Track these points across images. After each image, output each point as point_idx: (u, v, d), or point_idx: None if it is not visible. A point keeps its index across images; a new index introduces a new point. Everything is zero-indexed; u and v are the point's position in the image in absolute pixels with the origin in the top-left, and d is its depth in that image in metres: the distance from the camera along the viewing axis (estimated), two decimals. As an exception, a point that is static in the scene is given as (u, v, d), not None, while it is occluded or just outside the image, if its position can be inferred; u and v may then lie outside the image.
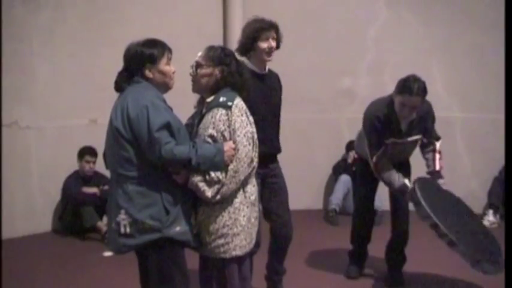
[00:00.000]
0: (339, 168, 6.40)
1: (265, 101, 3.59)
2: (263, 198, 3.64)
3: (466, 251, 3.71)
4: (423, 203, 3.69)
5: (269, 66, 3.69)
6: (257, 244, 3.43)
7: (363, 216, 4.30)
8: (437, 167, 4.06)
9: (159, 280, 2.75)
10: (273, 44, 3.54)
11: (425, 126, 4.00)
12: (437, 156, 4.08)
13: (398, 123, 3.89)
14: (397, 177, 3.91)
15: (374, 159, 3.93)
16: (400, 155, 4.05)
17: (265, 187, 3.64)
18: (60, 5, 5.75)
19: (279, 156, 3.76)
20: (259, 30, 3.51)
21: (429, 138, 4.06)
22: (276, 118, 3.72)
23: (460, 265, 4.00)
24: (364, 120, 4.01)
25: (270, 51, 3.54)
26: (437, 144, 4.09)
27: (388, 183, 3.97)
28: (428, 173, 4.10)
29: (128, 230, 2.68)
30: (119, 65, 2.83)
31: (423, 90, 3.75)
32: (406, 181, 3.92)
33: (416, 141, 4.03)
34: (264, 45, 3.51)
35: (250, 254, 3.53)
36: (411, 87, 3.71)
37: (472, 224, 4.03)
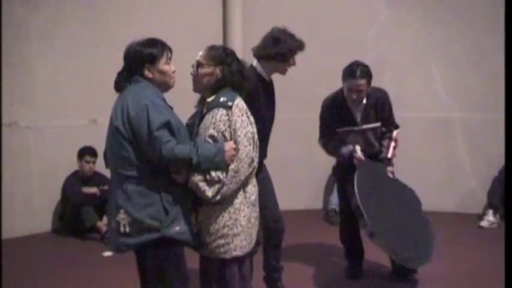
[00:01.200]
0: (339, 168, 6.40)
1: (268, 106, 3.66)
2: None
3: (386, 245, 3.76)
4: (356, 191, 3.76)
5: None
6: (257, 243, 3.46)
7: (344, 213, 4.30)
8: (389, 155, 4.14)
9: (158, 280, 2.76)
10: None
11: (382, 115, 4.10)
12: (392, 144, 4.16)
13: (349, 111, 4.04)
14: (344, 146, 4.03)
15: (321, 143, 4.18)
16: (365, 143, 4.10)
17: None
18: (59, 5, 5.75)
19: (279, 157, 3.77)
20: (295, 50, 3.58)
21: (387, 126, 4.15)
22: (272, 124, 3.77)
23: (462, 261, 4.00)
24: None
25: (286, 71, 3.65)
26: (395, 133, 4.18)
27: (333, 152, 4.13)
28: (380, 159, 4.15)
29: (127, 229, 2.68)
30: (119, 65, 2.83)
31: (366, 73, 3.92)
32: (357, 147, 3.99)
33: (375, 129, 4.11)
34: (291, 64, 3.61)
35: (251, 254, 3.55)
36: (354, 70, 3.91)
37: (410, 217, 4.00)
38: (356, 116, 4.05)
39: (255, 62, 3.63)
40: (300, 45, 3.60)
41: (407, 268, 4.15)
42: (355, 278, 4.34)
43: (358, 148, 4.00)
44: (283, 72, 3.65)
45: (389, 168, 4.10)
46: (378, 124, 4.11)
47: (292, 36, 3.59)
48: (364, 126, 4.07)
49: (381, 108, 4.08)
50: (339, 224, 4.47)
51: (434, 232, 4.03)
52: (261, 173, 3.65)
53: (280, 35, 3.58)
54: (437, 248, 4.00)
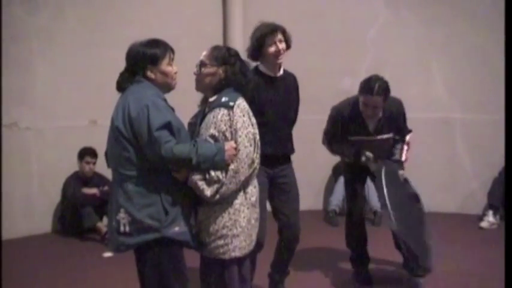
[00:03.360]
0: (339, 169, 6.38)
1: (277, 103, 3.62)
2: (272, 197, 3.69)
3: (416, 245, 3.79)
4: (383, 184, 3.75)
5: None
6: (260, 245, 3.47)
7: (352, 216, 4.27)
8: (403, 158, 4.12)
9: (158, 280, 2.75)
10: (280, 46, 3.55)
11: (396, 125, 4.07)
12: (405, 147, 4.14)
13: (364, 122, 3.98)
14: (348, 149, 4.04)
15: (326, 144, 4.17)
16: (376, 152, 4.06)
17: (274, 187, 3.67)
18: (59, 5, 5.75)
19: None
20: (264, 36, 3.54)
21: (402, 136, 4.13)
22: (288, 120, 3.75)
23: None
24: (329, 113, 4.14)
25: (277, 55, 3.56)
26: (407, 137, 4.16)
27: (341, 153, 4.12)
28: (393, 160, 4.12)
29: (127, 228, 2.69)
30: (119, 65, 2.83)
31: (384, 90, 3.82)
32: (366, 153, 3.98)
33: (385, 140, 4.07)
34: (271, 49, 3.55)
35: (253, 253, 3.56)
36: (372, 87, 3.79)
37: (416, 223, 4.00)
38: (369, 126, 4.00)
39: (259, 65, 3.65)
40: (267, 29, 3.53)
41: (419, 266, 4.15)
42: (366, 284, 4.24)
43: (366, 153, 3.98)
44: (271, 60, 3.57)
45: (401, 172, 4.06)
46: (391, 135, 4.07)
47: (262, 25, 3.59)
48: (378, 137, 4.03)
49: (395, 120, 4.05)
50: (346, 227, 4.36)
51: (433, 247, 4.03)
52: (283, 177, 3.69)
53: (253, 30, 3.61)
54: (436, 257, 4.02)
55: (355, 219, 4.25)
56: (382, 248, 4.42)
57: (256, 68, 3.64)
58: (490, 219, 5.73)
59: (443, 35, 6.24)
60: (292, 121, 3.84)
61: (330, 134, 4.14)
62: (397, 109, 4.06)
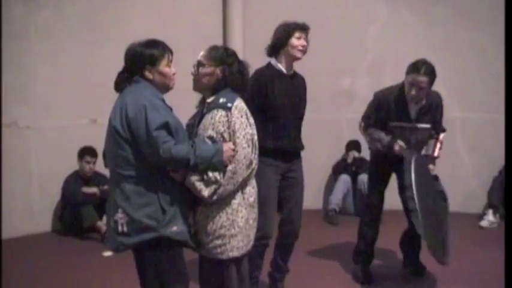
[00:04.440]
0: (339, 168, 6.40)
1: (290, 99, 3.67)
2: (280, 190, 3.73)
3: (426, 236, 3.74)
4: (412, 176, 3.72)
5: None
6: (267, 235, 3.57)
7: (370, 209, 4.27)
8: (436, 153, 4.19)
9: (156, 280, 2.75)
10: (305, 43, 3.64)
11: (434, 117, 4.10)
12: (439, 145, 4.20)
13: (406, 107, 4.01)
14: (384, 136, 4.03)
15: (362, 125, 4.16)
16: (413, 142, 4.07)
17: (281, 182, 3.72)
18: (59, 5, 5.75)
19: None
20: (295, 28, 3.63)
21: (436, 129, 4.17)
22: (298, 118, 3.78)
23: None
24: (372, 99, 4.16)
25: (302, 49, 3.64)
26: (442, 135, 4.23)
27: (377, 139, 4.07)
28: (425, 155, 4.15)
29: (125, 228, 2.69)
30: (119, 65, 2.83)
31: (431, 72, 3.89)
32: (399, 141, 3.98)
33: (426, 129, 4.09)
34: (296, 42, 3.62)
35: (263, 248, 3.58)
36: (419, 67, 3.87)
37: (438, 218, 3.98)
38: (411, 113, 4.03)
39: (273, 61, 3.70)
40: (299, 23, 3.64)
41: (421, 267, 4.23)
42: (369, 282, 4.22)
43: (399, 141, 3.97)
44: (293, 53, 3.64)
45: (431, 167, 4.10)
46: (429, 126, 4.09)
47: (291, 21, 3.67)
48: (418, 125, 4.05)
49: (434, 111, 4.09)
50: (360, 221, 4.34)
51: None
52: (291, 171, 3.72)
53: (279, 25, 3.69)
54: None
55: (372, 213, 4.26)
56: (384, 245, 4.41)
57: (269, 64, 3.69)
58: (490, 218, 5.74)
59: (443, 35, 6.24)
60: (301, 120, 3.86)
61: (370, 118, 4.13)
62: (438, 101, 4.12)
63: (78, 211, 5.50)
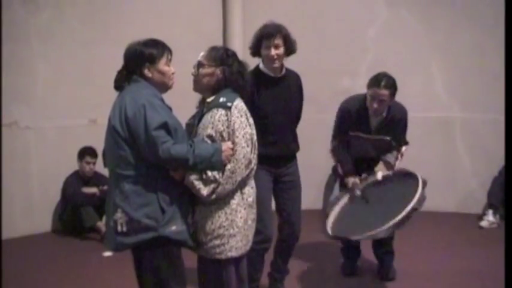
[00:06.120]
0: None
1: (278, 105, 3.63)
2: (276, 194, 3.73)
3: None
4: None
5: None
6: (268, 239, 3.59)
7: None
8: (394, 163, 4.14)
9: (155, 279, 2.76)
10: (275, 51, 3.53)
11: (394, 130, 4.10)
12: (399, 157, 4.19)
13: (368, 119, 4.05)
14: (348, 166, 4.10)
15: (332, 145, 4.19)
16: (363, 152, 4.12)
17: (278, 184, 3.72)
18: (59, 5, 5.75)
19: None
20: (260, 39, 3.56)
21: (397, 142, 4.15)
22: (291, 120, 3.76)
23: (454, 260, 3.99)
24: (337, 111, 4.18)
25: (271, 59, 3.55)
26: (404, 148, 4.21)
27: (339, 162, 4.15)
28: (383, 160, 4.14)
29: (124, 228, 2.69)
30: (119, 65, 2.83)
31: (391, 85, 3.92)
32: (357, 191, 3.99)
33: (384, 141, 4.09)
34: (265, 52, 3.56)
35: (263, 252, 3.58)
36: (379, 80, 3.90)
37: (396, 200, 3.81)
38: (372, 125, 4.06)
39: (261, 64, 3.66)
40: (264, 33, 3.53)
41: (387, 270, 4.28)
42: (350, 275, 4.36)
43: (357, 191, 3.98)
44: (268, 61, 3.58)
45: (385, 173, 4.00)
46: (388, 138, 4.11)
47: (264, 26, 3.59)
48: (376, 137, 4.08)
49: (396, 125, 4.10)
50: None
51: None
52: (286, 175, 3.72)
53: (259, 27, 3.62)
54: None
55: None
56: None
57: (257, 67, 3.64)
58: (490, 218, 5.73)
59: (443, 35, 6.24)
60: (296, 120, 3.85)
61: (336, 134, 4.16)
62: (401, 115, 4.12)
63: (78, 211, 5.50)
